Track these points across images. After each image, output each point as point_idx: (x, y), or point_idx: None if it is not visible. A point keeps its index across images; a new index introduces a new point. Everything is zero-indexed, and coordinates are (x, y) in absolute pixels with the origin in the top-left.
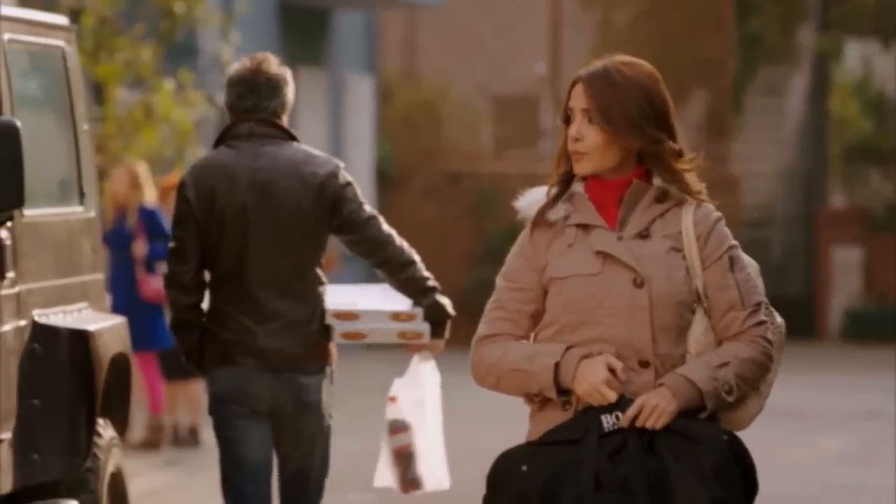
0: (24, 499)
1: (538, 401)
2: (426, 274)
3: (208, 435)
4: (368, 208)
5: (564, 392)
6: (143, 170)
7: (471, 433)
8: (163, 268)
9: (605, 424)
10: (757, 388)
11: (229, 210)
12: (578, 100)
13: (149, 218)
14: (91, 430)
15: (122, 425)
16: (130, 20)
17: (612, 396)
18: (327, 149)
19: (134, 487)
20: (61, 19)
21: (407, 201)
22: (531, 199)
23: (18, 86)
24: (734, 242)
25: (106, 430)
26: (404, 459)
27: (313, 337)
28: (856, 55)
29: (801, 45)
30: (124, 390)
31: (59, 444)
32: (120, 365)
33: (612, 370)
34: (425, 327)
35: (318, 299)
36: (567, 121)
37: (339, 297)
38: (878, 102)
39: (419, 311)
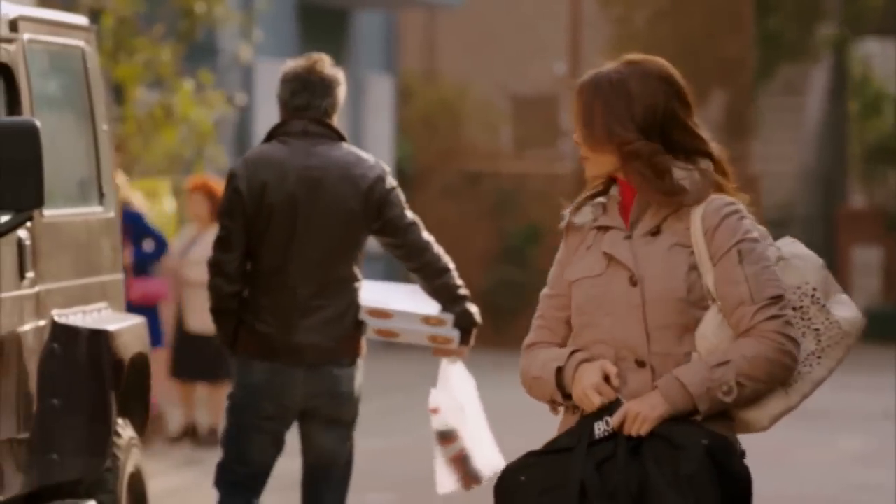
0: (43, 499)
1: (560, 408)
2: (459, 282)
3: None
4: (410, 214)
5: (570, 396)
6: (118, 177)
7: (494, 434)
8: (156, 268)
9: (597, 431)
10: (777, 385)
11: (278, 204)
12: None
13: (132, 222)
14: (110, 430)
15: (141, 425)
16: (150, 20)
17: (596, 401)
18: None
19: (153, 487)
20: (81, 19)
21: (426, 201)
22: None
23: (38, 86)
24: (749, 235)
25: (125, 429)
26: (461, 463)
27: (347, 331)
28: (867, 53)
29: (820, 42)
30: (143, 390)
31: (78, 444)
32: (139, 365)
33: (607, 375)
34: (455, 333)
35: (354, 294)
36: None
37: (372, 293)
38: (877, 101)
39: (450, 317)
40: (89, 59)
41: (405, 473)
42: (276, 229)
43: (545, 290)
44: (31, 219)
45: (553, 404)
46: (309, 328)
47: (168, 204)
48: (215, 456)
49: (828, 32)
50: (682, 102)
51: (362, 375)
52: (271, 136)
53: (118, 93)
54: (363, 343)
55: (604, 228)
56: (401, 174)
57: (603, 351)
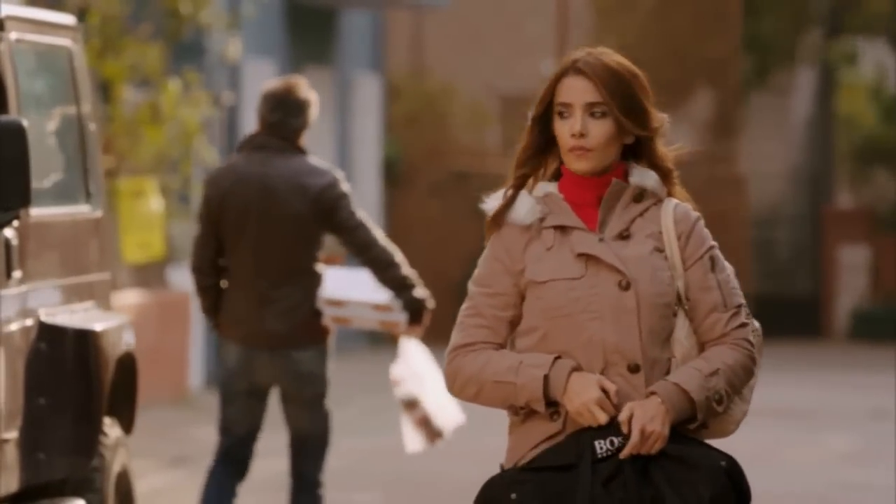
0: (30, 498)
1: (523, 413)
2: (405, 272)
3: (212, 434)
4: (359, 216)
5: (552, 403)
6: None
7: (475, 432)
8: None
9: (599, 450)
10: (740, 392)
11: (237, 209)
12: (580, 94)
13: None
14: (97, 430)
15: (128, 424)
16: (137, 20)
17: (602, 419)
18: (334, 147)
19: (140, 486)
20: (68, 18)
21: (413, 199)
22: (497, 202)
23: (25, 85)
24: (713, 242)
25: (112, 429)
26: (426, 425)
27: (304, 318)
28: (867, 59)
29: (810, 48)
30: (130, 389)
31: (65, 443)
32: (126, 364)
33: (605, 391)
34: (401, 317)
35: (311, 286)
36: (540, 118)
37: (334, 281)
38: (893, 106)
39: (397, 303)
40: (76, 58)
41: (392, 472)
42: (237, 231)
43: (478, 288)
44: (17, 218)
45: (514, 409)
46: (269, 316)
47: (155, 203)
48: (201, 455)
49: (826, 40)
50: None
51: (326, 357)
52: (240, 148)
53: (105, 92)
54: (328, 328)
55: (562, 228)
56: (388, 173)
57: (588, 356)
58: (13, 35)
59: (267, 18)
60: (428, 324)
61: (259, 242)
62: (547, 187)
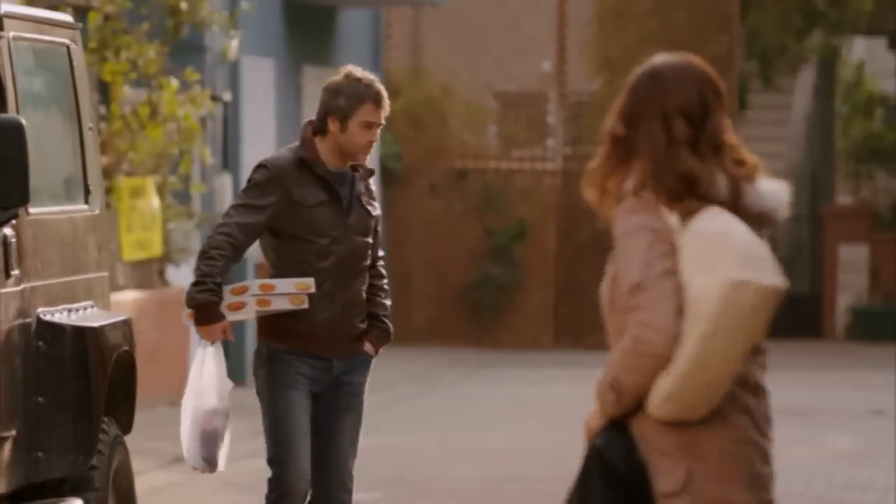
0: (29, 496)
1: None
2: (195, 278)
3: None
4: (229, 214)
5: None
6: None
7: (478, 432)
8: None
9: None
10: (637, 372)
11: None
12: None
13: None
14: (96, 428)
15: (126, 423)
16: (136, 18)
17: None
18: None
19: (140, 485)
20: (67, 17)
21: (413, 198)
22: None
23: (24, 84)
24: (624, 231)
25: (111, 427)
26: (209, 440)
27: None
28: (866, 59)
29: (807, 46)
30: (129, 388)
31: (63, 441)
32: (124, 363)
33: None
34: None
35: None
36: None
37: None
38: (870, 102)
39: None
40: (75, 56)
41: (392, 472)
42: None
43: None
44: (16, 216)
45: None
46: None
47: (154, 202)
48: None
49: (817, 39)
50: (691, 107)
51: (258, 357)
52: None
53: (104, 91)
54: (266, 328)
55: None
56: (387, 172)
57: None
58: (12, 33)
59: (266, 17)
60: (212, 330)
61: None
62: None
